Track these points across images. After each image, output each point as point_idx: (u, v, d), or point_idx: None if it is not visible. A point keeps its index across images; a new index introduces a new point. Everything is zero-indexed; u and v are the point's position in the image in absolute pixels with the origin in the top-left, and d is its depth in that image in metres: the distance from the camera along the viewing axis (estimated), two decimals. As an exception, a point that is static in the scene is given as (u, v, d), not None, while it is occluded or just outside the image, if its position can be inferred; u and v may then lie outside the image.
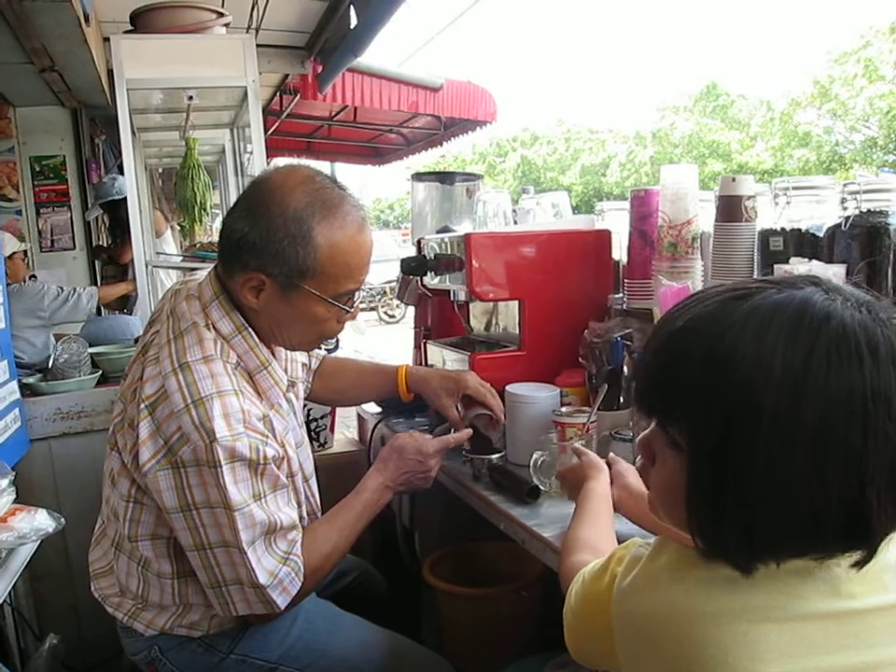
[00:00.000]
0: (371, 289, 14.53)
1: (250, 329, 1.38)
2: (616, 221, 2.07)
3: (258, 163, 2.90)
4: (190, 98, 2.94)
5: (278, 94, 6.38)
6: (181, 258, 3.25)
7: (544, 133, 33.99)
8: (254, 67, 2.80)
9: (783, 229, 1.56)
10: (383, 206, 51.67)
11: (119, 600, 1.45)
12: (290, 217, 1.28)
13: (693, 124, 26.35)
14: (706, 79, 28.14)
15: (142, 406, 1.28)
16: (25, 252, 3.72)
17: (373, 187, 45.78)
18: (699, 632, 0.70)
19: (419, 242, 2.14)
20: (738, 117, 26.90)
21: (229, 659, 1.42)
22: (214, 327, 1.36)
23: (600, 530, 1.15)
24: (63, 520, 1.62)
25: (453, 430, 1.80)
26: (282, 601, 1.32)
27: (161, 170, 6.01)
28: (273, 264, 1.29)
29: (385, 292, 13.78)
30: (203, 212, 3.30)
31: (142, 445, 1.26)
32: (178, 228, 4.65)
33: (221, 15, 2.99)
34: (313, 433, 2.44)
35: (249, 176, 3.74)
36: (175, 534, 1.31)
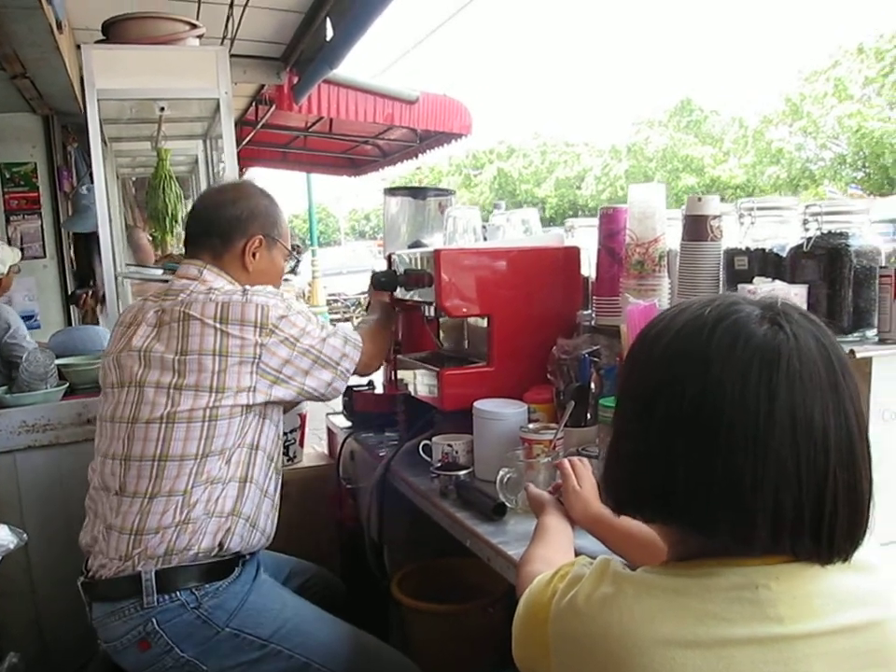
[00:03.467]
0: (346, 300, 14.50)
1: None
2: (586, 238, 2.08)
3: (230, 175, 2.88)
4: (162, 109, 2.91)
5: (254, 105, 6.37)
6: (160, 269, 3.20)
7: (520, 145, 34.22)
8: (227, 79, 2.79)
9: (748, 248, 1.58)
10: (359, 217, 51.70)
11: (156, 545, 1.50)
12: (264, 195, 1.79)
13: (668, 139, 26.66)
14: (680, 95, 28.49)
15: (209, 322, 1.54)
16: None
17: (350, 198, 45.73)
18: (629, 657, 0.72)
19: (389, 257, 2.14)
20: (712, 132, 27.26)
21: (224, 632, 1.51)
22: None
23: (559, 547, 1.16)
24: (25, 535, 1.61)
25: (424, 443, 1.82)
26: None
27: (134, 179, 5.95)
28: (267, 227, 1.75)
29: (359, 303, 13.78)
30: (174, 223, 3.26)
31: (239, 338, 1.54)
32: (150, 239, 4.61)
33: (194, 27, 2.97)
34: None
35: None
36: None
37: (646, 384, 0.81)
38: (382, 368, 2.37)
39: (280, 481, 1.73)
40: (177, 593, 1.49)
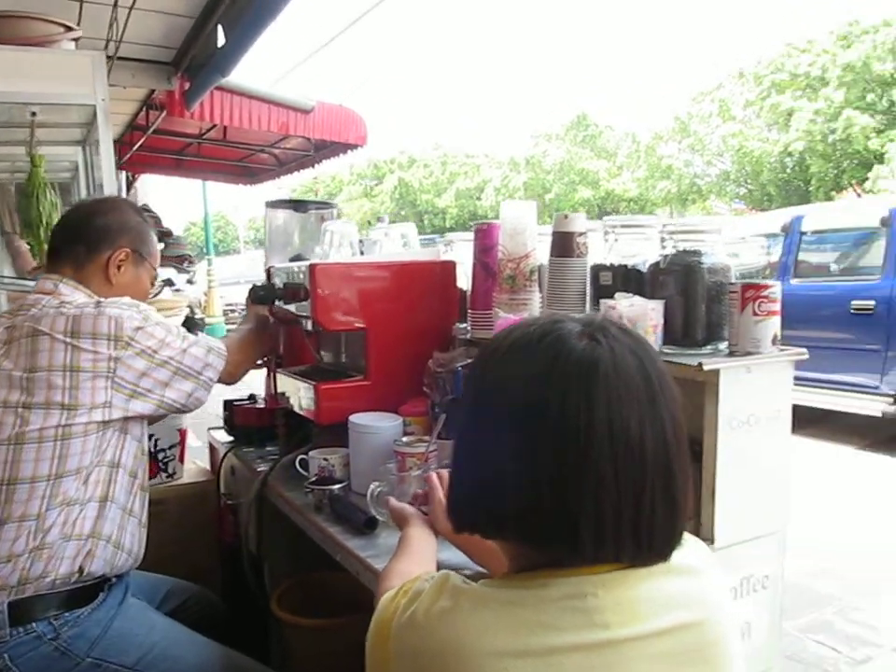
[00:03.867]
0: (243, 310, 14.21)
1: None
2: (465, 252, 2.11)
3: (107, 183, 2.79)
4: (34, 114, 2.80)
5: (145, 109, 6.19)
6: (34, 280, 3.07)
7: (421, 156, 34.40)
8: (103, 85, 2.70)
9: (612, 264, 1.64)
10: (258, 226, 50.73)
11: (7, 575, 1.42)
12: (138, 213, 1.79)
13: (565, 152, 27.35)
14: (577, 109, 29.31)
15: (59, 336, 1.48)
16: None
17: (248, 206, 44.83)
18: (464, 670, 0.74)
19: (268, 270, 2.12)
20: (606, 147, 28.13)
21: (84, 663, 1.43)
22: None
23: (420, 560, 1.17)
24: None
25: (301, 458, 1.81)
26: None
27: (14, 184, 5.67)
28: (136, 242, 1.72)
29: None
30: (49, 232, 3.13)
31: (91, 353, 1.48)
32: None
33: (70, 29, 2.88)
34: (160, 463, 2.36)
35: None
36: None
37: (476, 400, 0.83)
38: (264, 381, 2.36)
39: (147, 498, 1.68)
40: (33, 624, 1.42)
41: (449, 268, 1.99)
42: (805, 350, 1.48)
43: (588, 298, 1.68)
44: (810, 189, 21.49)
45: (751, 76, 22.98)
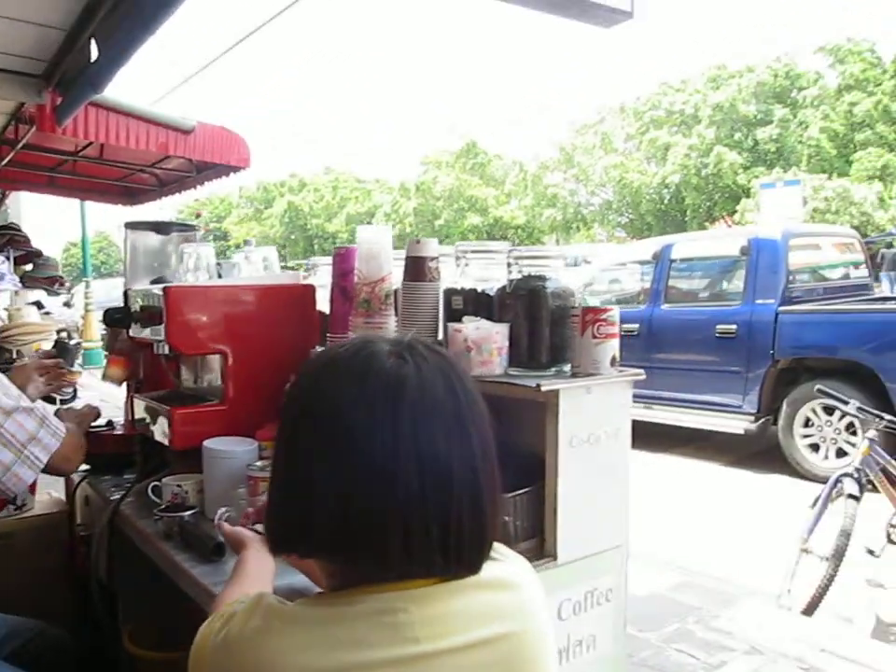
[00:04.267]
0: (103, 333, 13.67)
1: None
2: (328, 276, 2.12)
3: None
4: None
5: (14, 123, 5.90)
6: None
7: (312, 179, 34.22)
8: (-47, 98, 2.58)
9: (463, 288, 1.68)
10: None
11: None
12: None
13: (454, 179, 27.76)
14: (466, 137, 29.81)
15: None
16: None
17: (129, 228, 43.16)
18: None
19: (126, 293, 2.07)
20: (495, 175, 28.74)
21: None
22: None
23: (255, 584, 1.16)
24: None
25: (154, 485, 1.76)
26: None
27: None
28: None
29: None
30: None
31: None
32: None
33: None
34: (8, 493, 2.24)
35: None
36: None
37: (291, 420, 0.84)
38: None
39: None
40: None
41: (308, 291, 2.00)
42: (641, 371, 1.55)
43: (441, 321, 1.72)
44: (686, 219, 22.63)
45: (631, 111, 24.09)
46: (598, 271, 7.30)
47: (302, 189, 33.75)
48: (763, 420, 5.51)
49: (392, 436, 0.78)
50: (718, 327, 5.71)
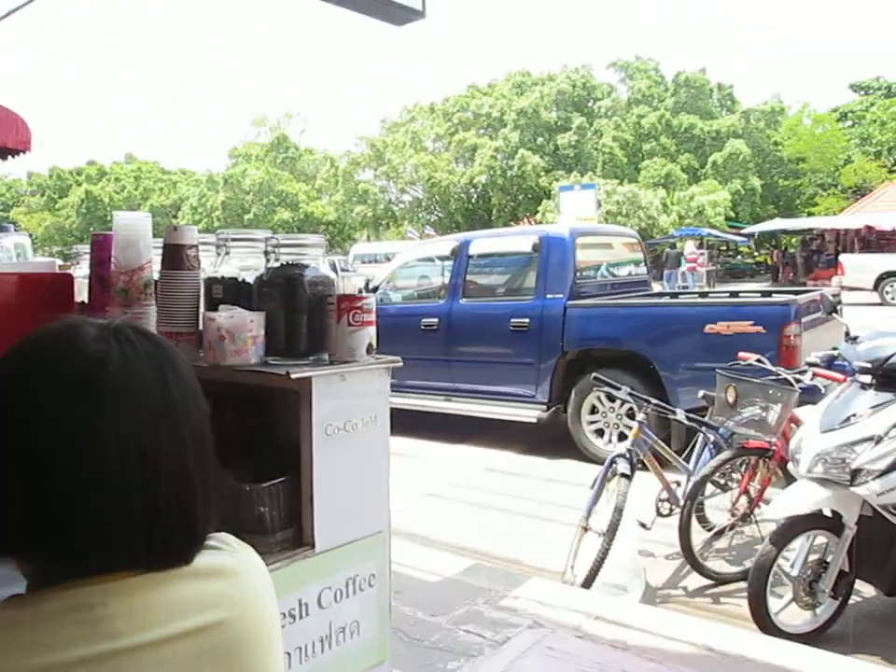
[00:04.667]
0: None
1: None
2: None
3: None
4: None
5: None
6: None
7: (113, 168, 32.30)
8: None
9: (223, 277, 1.65)
10: None
11: None
12: None
13: (264, 173, 27.19)
14: (277, 130, 29.29)
15: None
16: None
17: None
18: None
19: None
20: (306, 170, 28.44)
21: None
22: None
23: None
24: None
25: None
26: None
27: None
28: None
29: None
30: None
31: None
32: None
33: None
34: None
35: None
36: None
37: None
38: None
39: None
40: None
41: (65, 281, 1.87)
42: (398, 358, 1.58)
43: (202, 311, 1.67)
44: (492, 218, 23.49)
45: (441, 111, 24.66)
46: (398, 267, 7.39)
47: (102, 178, 31.75)
48: (554, 409, 5.80)
49: (89, 427, 0.73)
50: (512, 320, 5.95)
